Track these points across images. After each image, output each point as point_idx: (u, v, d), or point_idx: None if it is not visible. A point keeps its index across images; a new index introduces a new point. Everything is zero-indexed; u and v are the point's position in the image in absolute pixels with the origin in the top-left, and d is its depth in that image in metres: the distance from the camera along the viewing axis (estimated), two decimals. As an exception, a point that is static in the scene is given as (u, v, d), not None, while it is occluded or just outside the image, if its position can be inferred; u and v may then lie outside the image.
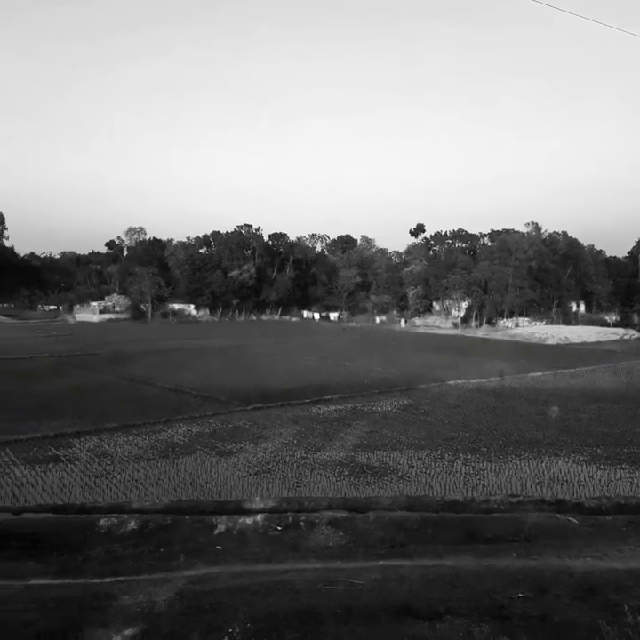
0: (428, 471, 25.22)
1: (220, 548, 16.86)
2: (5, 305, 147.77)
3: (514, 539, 17.99)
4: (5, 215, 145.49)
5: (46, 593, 13.39)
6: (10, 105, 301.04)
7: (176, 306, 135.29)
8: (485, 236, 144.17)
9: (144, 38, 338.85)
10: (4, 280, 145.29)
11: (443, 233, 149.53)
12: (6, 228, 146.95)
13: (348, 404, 39.02)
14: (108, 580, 14.24)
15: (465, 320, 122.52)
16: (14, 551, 15.95)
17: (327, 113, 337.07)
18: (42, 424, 31.97)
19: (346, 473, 24.70)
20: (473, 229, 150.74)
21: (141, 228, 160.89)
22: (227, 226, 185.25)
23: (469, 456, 27.43)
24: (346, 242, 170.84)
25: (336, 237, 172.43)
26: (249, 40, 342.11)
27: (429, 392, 43.87)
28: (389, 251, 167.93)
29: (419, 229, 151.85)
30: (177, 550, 16.54)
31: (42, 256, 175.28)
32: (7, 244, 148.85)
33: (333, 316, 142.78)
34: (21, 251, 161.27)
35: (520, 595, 13.20)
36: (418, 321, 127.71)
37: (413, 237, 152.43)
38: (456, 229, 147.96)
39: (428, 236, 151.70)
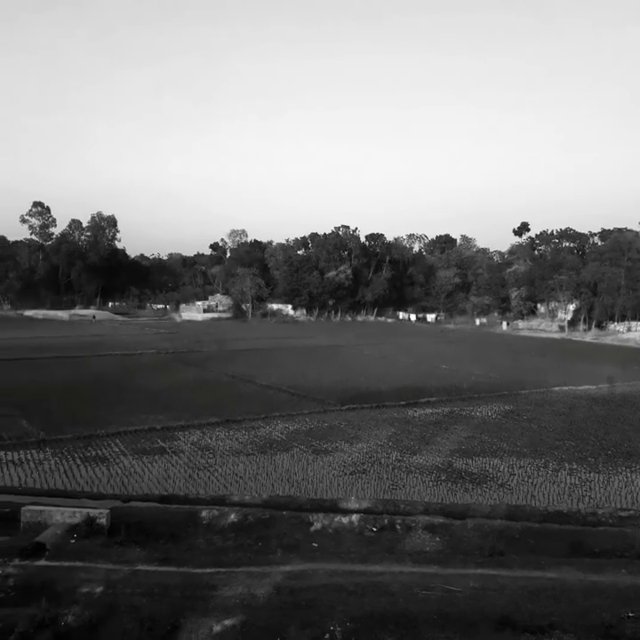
0: (530, 480, 24.29)
1: (316, 545, 17.04)
2: (117, 303, 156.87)
3: (623, 554, 16.98)
4: (117, 219, 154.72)
5: (152, 579, 14.06)
6: (120, 117, 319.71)
7: (274, 306, 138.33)
8: (595, 235, 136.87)
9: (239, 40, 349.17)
10: (116, 280, 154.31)
11: (549, 232, 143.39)
12: (118, 231, 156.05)
13: (445, 407, 38.29)
14: (208, 570, 14.75)
15: (572, 323, 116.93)
16: (123, 537, 16.85)
17: (439, 116, 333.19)
18: (149, 417, 33.64)
19: (443, 478, 24.25)
20: (582, 228, 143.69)
21: (243, 231, 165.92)
22: (325, 227, 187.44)
23: (575, 466, 26.16)
24: (445, 242, 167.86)
25: (434, 237, 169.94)
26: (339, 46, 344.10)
27: (533, 398, 42.21)
28: (491, 250, 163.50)
29: (523, 228, 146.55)
30: (274, 545, 16.87)
31: (151, 257, 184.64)
32: (119, 246, 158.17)
33: (430, 317, 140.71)
34: (132, 253, 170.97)
35: (631, 614, 12.43)
36: (521, 323, 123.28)
37: (517, 236, 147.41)
38: (563, 228, 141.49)
39: (533, 236, 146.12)
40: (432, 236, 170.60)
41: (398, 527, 18.24)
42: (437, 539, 17.57)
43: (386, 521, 18.58)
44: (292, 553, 16.18)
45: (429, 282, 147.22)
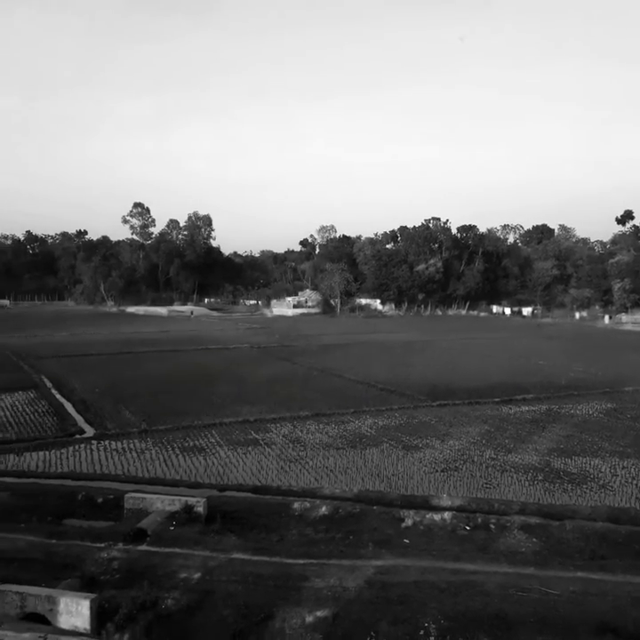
0: (634, 481, 22.97)
1: (407, 541, 16.90)
2: (212, 300, 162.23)
3: None
4: (212, 217, 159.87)
5: (247, 568, 14.45)
6: (221, 120, 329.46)
7: (363, 301, 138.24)
8: None
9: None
10: (211, 277, 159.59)
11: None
12: (213, 230, 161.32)
13: (542, 404, 36.89)
14: (300, 561, 14.98)
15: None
16: (219, 526, 17.40)
17: (526, 106, 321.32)
18: (243, 409, 34.56)
19: (540, 477, 23.38)
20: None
21: (332, 227, 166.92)
22: (414, 220, 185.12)
23: (686, 468, 24.52)
24: (542, 232, 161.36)
25: (530, 228, 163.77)
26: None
27: (638, 396, 39.88)
28: (592, 240, 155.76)
29: (626, 217, 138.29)
30: (365, 539, 16.89)
31: (244, 254, 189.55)
32: (214, 244, 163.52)
33: (526, 311, 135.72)
34: (226, 250, 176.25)
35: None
36: (624, 317, 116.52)
37: (620, 225, 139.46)
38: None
39: (638, 224, 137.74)
40: (528, 226, 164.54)
41: (492, 526, 17.77)
42: (534, 539, 16.96)
43: (479, 520, 18.15)
44: (383, 548, 16.13)
45: (525, 274, 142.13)
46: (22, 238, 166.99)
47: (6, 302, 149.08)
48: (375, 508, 19.28)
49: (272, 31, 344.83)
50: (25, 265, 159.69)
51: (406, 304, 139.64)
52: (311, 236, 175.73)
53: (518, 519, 18.16)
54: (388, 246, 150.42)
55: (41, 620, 11.64)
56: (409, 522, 18.06)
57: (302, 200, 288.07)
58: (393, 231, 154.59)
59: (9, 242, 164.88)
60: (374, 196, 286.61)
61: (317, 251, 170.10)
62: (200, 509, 17.87)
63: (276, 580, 13.86)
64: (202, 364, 53.15)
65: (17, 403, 36.59)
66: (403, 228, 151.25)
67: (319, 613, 12.23)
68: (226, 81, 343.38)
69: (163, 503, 18.14)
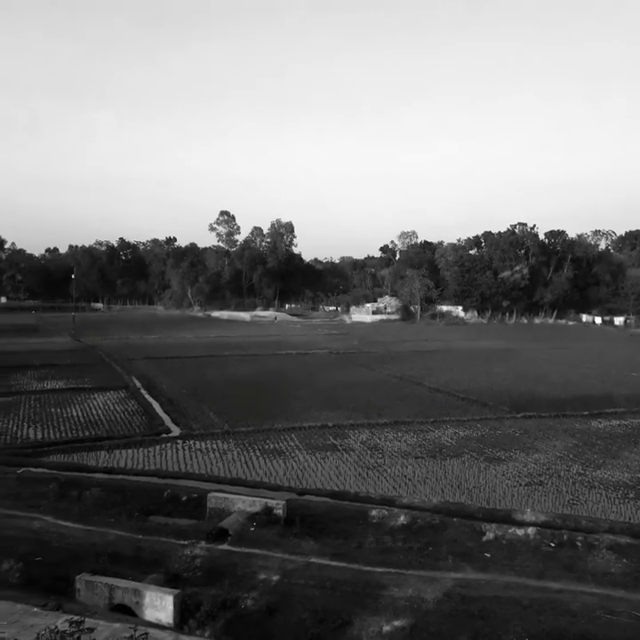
0: None
1: (488, 555, 16.47)
2: (293, 305, 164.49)
3: None
4: (294, 224, 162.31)
5: (324, 573, 14.52)
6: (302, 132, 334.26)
7: (444, 307, 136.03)
8: None
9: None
10: (292, 283, 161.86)
11: None
12: (295, 237, 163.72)
13: (634, 419, 35.03)
14: (378, 569, 14.89)
15: None
16: (297, 529, 17.58)
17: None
18: (322, 414, 34.81)
19: (631, 495, 22.20)
20: None
21: (413, 232, 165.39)
22: (499, 225, 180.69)
23: None
24: (636, 237, 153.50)
25: (624, 233, 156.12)
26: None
27: None
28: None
29: None
30: (445, 551, 16.59)
31: (324, 261, 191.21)
32: (296, 251, 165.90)
33: (618, 320, 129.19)
34: (307, 257, 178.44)
35: None
36: None
37: None
38: None
39: None
40: (621, 232, 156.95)
41: (579, 544, 17.03)
42: (624, 560, 16.11)
43: (565, 537, 17.44)
44: (463, 561, 15.80)
45: (617, 281, 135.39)
46: (116, 245, 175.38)
47: (100, 306, 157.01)
48: (455, 519, 18.91)
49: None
50: (118, 270, 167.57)
51: (490, 311, 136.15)
52: (391, 241, 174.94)
53: (607, 538, 17.32)
54: (471, 252, 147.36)
55: (127, 611, 12.16)
56: (490, 535, 17.59)
57: (384, 206, 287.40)
58: (476, 236, 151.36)
59: (104, 248, 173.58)
60: (457, 201, 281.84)
61: (398, 257, 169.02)
62: (279, 512, 18.13)
63: (353, 586, 13.85)
64: (282, 368, 53.94)
65: (108, 402, 38.45)
66: (487, 234, 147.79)
67: (397, 623, 12.13)
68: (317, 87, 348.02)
69: (244, 504, 18.53)
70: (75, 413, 34.90)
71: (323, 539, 17.28)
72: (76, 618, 3.98)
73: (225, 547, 15.89)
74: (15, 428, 31.53)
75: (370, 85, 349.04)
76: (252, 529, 17.14)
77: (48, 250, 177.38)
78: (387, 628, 12.00)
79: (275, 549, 15.74)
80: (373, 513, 19.25)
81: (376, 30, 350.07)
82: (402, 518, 18.78)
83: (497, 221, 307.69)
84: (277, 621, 12.66)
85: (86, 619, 3.88)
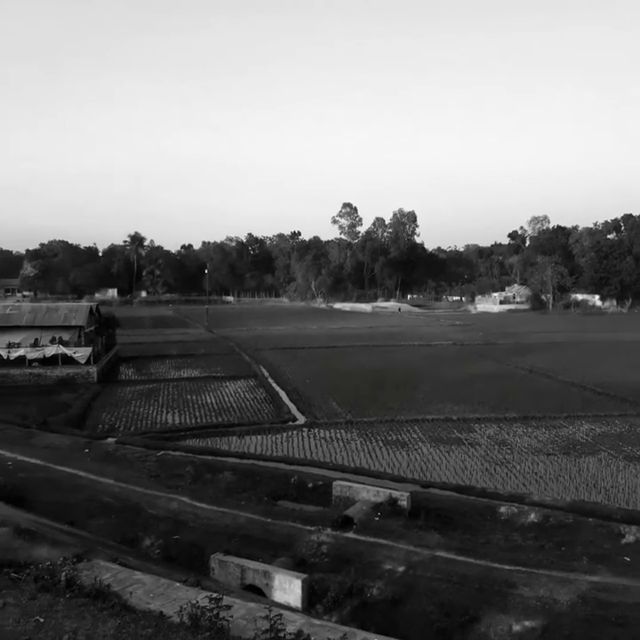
0: None
1: (627, 559, 15.42)
2: (415, 296, 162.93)
3: None
4: (416, 213, 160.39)
5: (450, 567, 14.30)
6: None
7: (579, 296, 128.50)
8: None
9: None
10: (414, 273, 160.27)
11: None
12: (417, 226, 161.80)
13: None
14: (507, 567, 14.43)
15: None
16: (422, 522, 17.44)
17: None
18: (445, 406, 34.21)
19: None
20: None
21: (545, 217, 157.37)
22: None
23: None
24: None
25: None
26: None
27: None
28: None
29: None
30: (579, 552, 15.75)
31: (447, 250, 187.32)
32: (418, 240, 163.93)
33: None
34: (430, 246, 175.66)
35: None
36: None
37: None
38: None
39: None
40: None
41: None
42: None
43: None
44: (599, 563, 14.91)
45: None
46: (245, 240, 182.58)
47: (231, 299, 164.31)
48: (591, 520, 17.88)
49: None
50: (247, 265, 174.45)
51: (630, 300, 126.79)
52: (521, 227, 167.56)
53: None
54: (609, 237, 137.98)
55: (257, 592, 12.69)
56: (630, 538, 16.46)
57: (513, 191, 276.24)
58: (615, 220, 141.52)
59: (234, 244, 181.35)
60: (593, 183, 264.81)
61: (527, 243, 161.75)
62: (404, 503, 18.07)
63: (481, 582, 13.53)
64: (404, 359, 53.60)
65: (239, 389, 40.22)
66: (627, 217, 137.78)
67: (527, 623, 11.70)
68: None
69: (368, 493, 18.66)
70: (208, 400, 36.85)
71: (448, 533, 17.01)
72: (214, 595, 4.21)
73: (350, 535, 16.10)
74: (155, 413, 33.86)
75: (505, 67, 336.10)
76: (377, 519, 17.23)
77: (183, 246, 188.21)
78: (516, 628, 11.62)
79: (399, 540, 15.72)
80: (502, 509, 18.67)
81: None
82: (532, 516, 18.06)
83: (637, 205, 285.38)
84: (403, 612, 12.66)
85: (224, 596, 4.11)
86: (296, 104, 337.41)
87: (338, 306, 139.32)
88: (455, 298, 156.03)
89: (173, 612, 4.09)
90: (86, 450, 25.21)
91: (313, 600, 12.92)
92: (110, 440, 27.51)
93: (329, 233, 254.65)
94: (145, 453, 24.96)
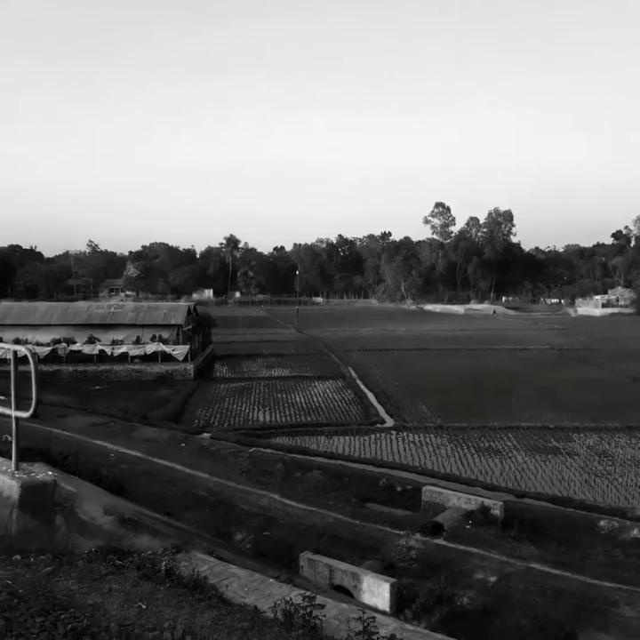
0: None
1: None
2: (510, 298, 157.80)
3: None
4: (514, 212, 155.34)
5: (546, 580, 13.74)
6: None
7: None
8: None
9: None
10: (510, 275, 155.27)
11: None
12: (514, 226, 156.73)
13: None
14: (606, 583, 13.70)
15: None
16: (516, 532, 16.87)
17: None
18: (542, 414, 32.92)
19: None
20: None
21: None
22: None
23: None
24: None
25: None
26: None
27: None
28: None
29: None
30: (689, 574, 14.71)
31: (546, 250, 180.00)
32: (514, 240, 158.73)
33: None
34: (527, 246, 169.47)
35: None
36: None
37: None
38: None
39: None
40: None
41: None
42: None
43: None
44: None
45: None
46: (335, 241, 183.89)
47: (320, 300, 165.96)
48: (702, 540, 16.66)
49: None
50: (336, 266, 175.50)
51: None
52: (626, 227, 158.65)
53: None
54: None
55: (345, 593, 12.71)
56: None
57: (616, 188, 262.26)
58: None
59: (324, 245, 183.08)
60: None
61: (633, 243, 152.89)
62: (496, 512, 17.56)
63: (578, 598, 12.92)
64: (497, 363, 52.09)
65: (327, 390, 40.53)
66: None
67: (630, 646, 11.05)
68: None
69: (459, 500, 18.28)
70: (298, 399, 37.38)
71: (543, 545, 16.36)
72: (308, 593, 4.26)
73: (440, 541, 15.83)
74: (247, 410, 34.74)
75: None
76: (468, 527, 16.84)
77: (275, 248, 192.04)
78: (617, 650, 11.00)
79: (491, 550, 15.28)
80: (602, 523, 17.75)
81: None
82: (635, 531, 17.05)
83: None
84: (494, 624, 12.29)
85: (317, 595, 4.16)
86: (389, 102, 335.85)
87: (428, 307, 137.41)
88: (553, 300, 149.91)
89: (267, 608, 4.17)
90: (183, 444, 26.22)
91: (401, 605, 12.79)
92: (205, 435, 28.48)
93: (420, 233, 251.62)
94: (237, 449, 25.63)
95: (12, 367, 5.24)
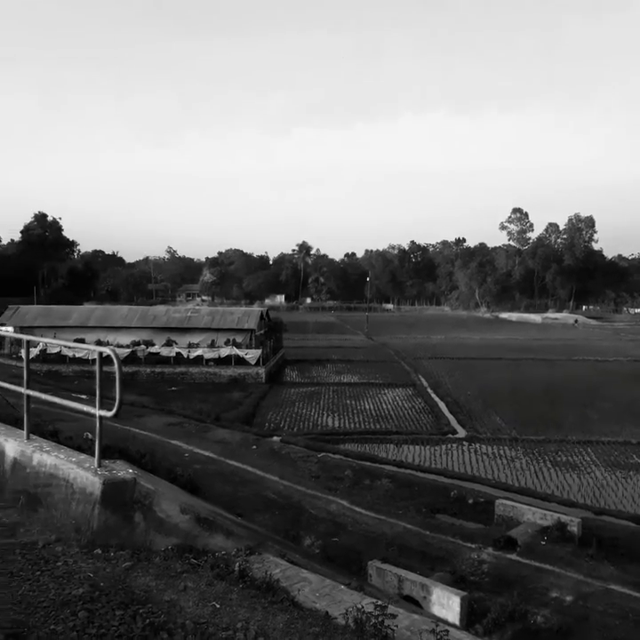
0: None
1: None
2: (591, 307, 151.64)
3: None
4: (596, 218, 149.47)
5: (626, 603, 13.10)
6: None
7: None
8: None
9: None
10: (590, 283, 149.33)
11: None
12: (596, 232, 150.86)
13: None
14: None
15: None
16: (594, 551, 16.17)
17: None
18: (623, 429, 31.43)
19: None
20: None
21: None
22: None
23: None
24: None
25: None
26: None
27: None
28: None
29: None
30: None
31: (630, 257, 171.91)
32: (596, 247, 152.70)
33: None
34: (609, 253, 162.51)
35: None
36: None
37: None
38: None
39: None
40: None
41: None
42: None
43: None
44: None
45: None
46: (407, 247, 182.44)
47: (390, 306, 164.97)
48: None
49: None
50: (408, 272, 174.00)
51: None
52: None
53: None
54: None
55: (413, 604, 12.53)
56: None
57: None
58: None
59: (396, 251, 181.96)
60: None
61: None
62: (574, 529, 16.90)
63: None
64: (577, 375, 50.11)
65: (397, 398, 40.18)
66: None
67: None
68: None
69: (534, 515, 17.71)
70: (367, 406, 37.25)
71: (624, 565, 15.61)
72: (379, 602, 4.23)
73: (513, 557, 15.37)
74: (317, 415, 34.92)
75: None
76: (543, 543, 16.28)
77: (346, 254, 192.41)
78: None
79: (568, 569, 14.71)
80: (688, 546, 16.76)
81: None
82: None
83: None
84: (570, 646, 11.82)
85: (389, 605, 4.12)
86: (472, 105, 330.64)
87: (504, 316, 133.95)
88: (638, 310, 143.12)
89: (338, 614, 4.17)
90: (254, 446, 26.66)
91: (471, 619, 12.49)
92: (275, 438, 28.83)
93: (496, 239, 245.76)
94: (307, 454, 25.82)
95: (97, 368, 5.47)
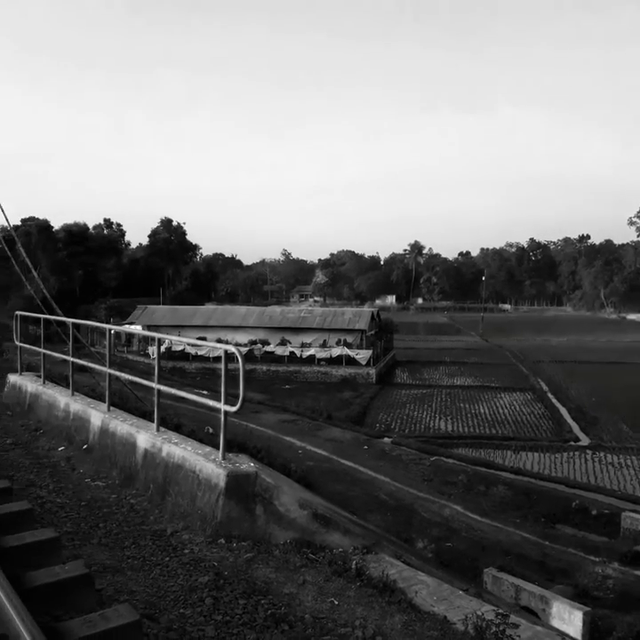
0: None
1: None
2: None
3: None
4: None
5: None
6: None
7: None
8: None
9: None
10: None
11: None
12: None
13: None
14: None
15: None
16: None
17: None
18: None
19: None
20: None
21: None
22: None
23: None
24: None
25: None
26: None
27: None
28: None
29: None
30: None
31: None
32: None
33: None
34: None
35: None
36: None
37: None
38: None
39: None
40: None
41: None
42: None
43: None
44: None
45: None
46: (525, 245, 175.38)
47: (507, 307, 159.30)
48: None
49: None
50: (526, 271, 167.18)
51: None
52: None
53: None
54: None
55: (532, 614, 12.04)
56: None
57: None
58: None
59: (513, 249, 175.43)
60: None
61: None
62: None
63: None
64: None
65: (514, 402, 38.76)
66: None
67: None
68: None
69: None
70: (482, 410, 36.23)
71: None
72: (500, 610, 4.14)
73: (642, 574, 14.41)
74: (428, 418, 34.45)
75: None
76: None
77: (460, 253, 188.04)
78: None
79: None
80: None
81: None
82: None
83: None
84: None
85: (511, 614, 4.01)
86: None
87: (632, 317, 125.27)
88: None
89: (457, 619, 4.12)
90: (365, 446, 26.75)
91: (595, 636, 11.82)
92: (386, 439, 28.76)
93: (624, 236, 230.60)
94: (418, 456, 25.55)
95: (222, 365, 5.75)
